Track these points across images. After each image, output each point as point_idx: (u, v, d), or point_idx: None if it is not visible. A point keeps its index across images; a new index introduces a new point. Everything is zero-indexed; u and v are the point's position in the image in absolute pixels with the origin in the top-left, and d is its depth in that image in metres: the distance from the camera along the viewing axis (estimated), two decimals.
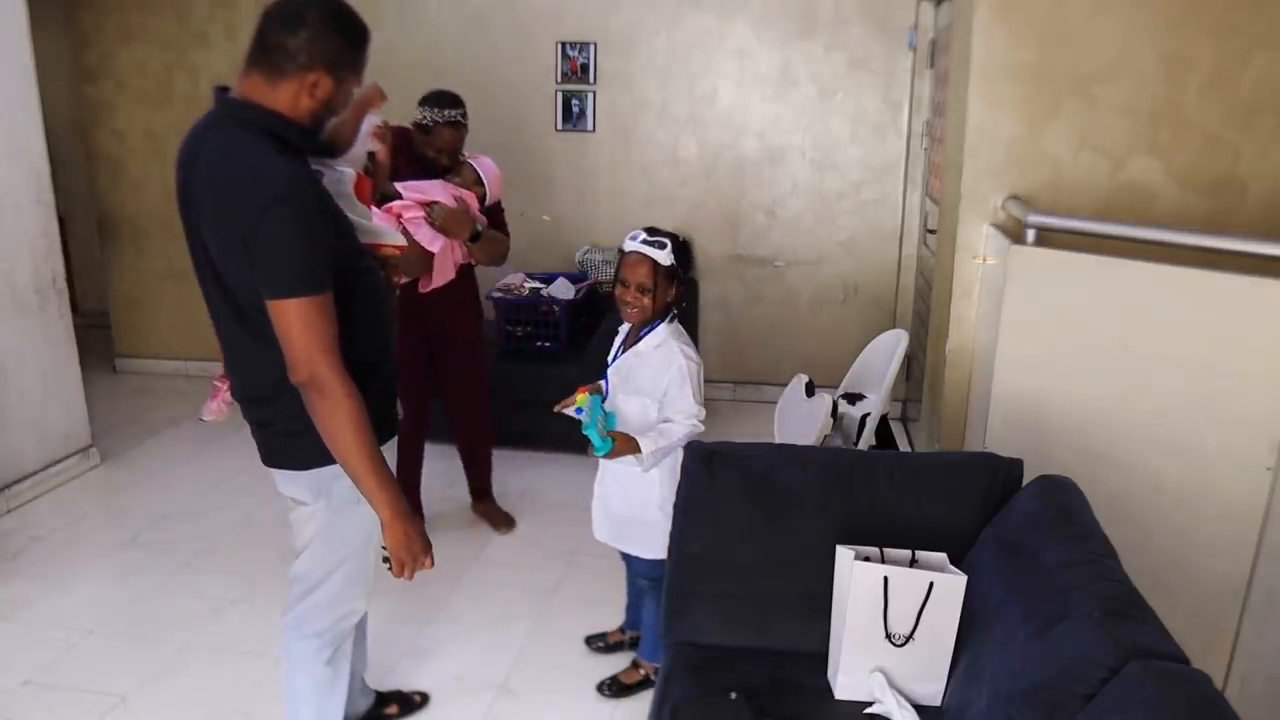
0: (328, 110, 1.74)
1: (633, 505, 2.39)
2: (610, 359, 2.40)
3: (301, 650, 2.01)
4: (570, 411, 2.25)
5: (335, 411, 1.63)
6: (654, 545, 2.33)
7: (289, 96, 1.68)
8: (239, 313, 1.72)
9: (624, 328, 2.42)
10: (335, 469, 1.76)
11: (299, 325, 1.60)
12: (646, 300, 2.23)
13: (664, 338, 2.29)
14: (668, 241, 2.22)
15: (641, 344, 2.30)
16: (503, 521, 3.56)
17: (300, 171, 1.67)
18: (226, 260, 1.67)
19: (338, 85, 1.71)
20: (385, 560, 1.74)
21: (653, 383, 2.28)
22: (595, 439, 2.19)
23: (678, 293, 2.30)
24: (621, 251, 2.27)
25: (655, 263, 2.21)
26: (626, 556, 2.52)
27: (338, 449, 1.67)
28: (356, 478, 1.69)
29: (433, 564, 1.77)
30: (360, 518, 1.85)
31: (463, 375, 3.38)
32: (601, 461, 2.35)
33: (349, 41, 1.72)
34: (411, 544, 1.73)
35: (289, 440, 1.81)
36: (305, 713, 2.05)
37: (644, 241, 2.21)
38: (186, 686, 2.59)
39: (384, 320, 1.91)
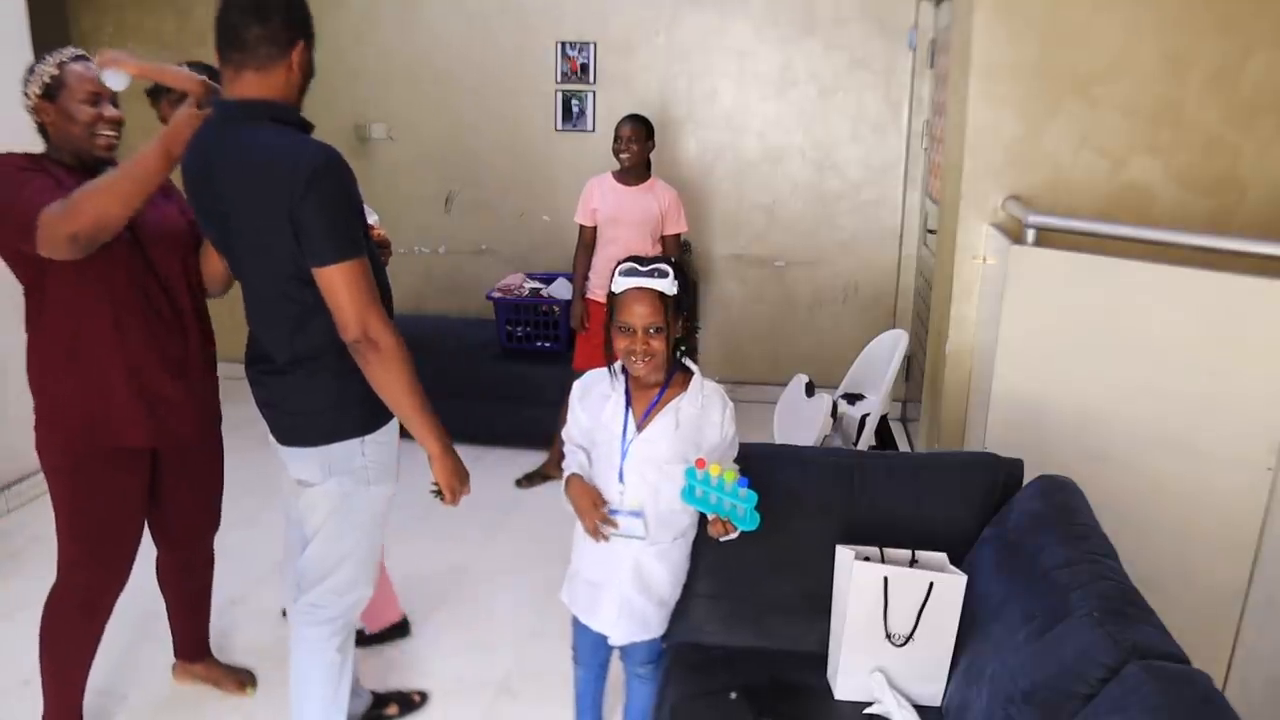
0: (308, 76, 1.81)
1: (676, 583, 2.01)
2: (623, 435, 1.86)
3: (312, 637, 2.02)
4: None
5: (389, 361, 1.73)
6: (666, 618, 2.04)
7: (280, 81, 1.75)
8: (261, 297, 1.82)
9: (600, 386, 1.92)
10: (346, 446, 1.86)
11: (347, 288, 1.69)
12: (658, 343, 1.79)
13: (700, 382, 1.89)
14: (668, 268, 1.79)
15: (684, 401, 1.86)
16: (236, 683, 2.58)
17: (329, 146, 1.74)
18: (262, 243, 1.74)
19: (308, 46, 1.78)
20: (435, 493, 1.87)
21: (716, 439, 1.89)
22: (751, 515, 1.70)
23: (686, 325, 1.87)
24: (611, 294, 1.82)
25: (661, 294, 1.77)
26: (622, 651, 2.07)
27: (391, 395, 1.77)
28: (408, 418, 1.80)
29: (469, 491, 1.91)
30: (369, 499, 1.94)
31: (197, 503, 2.43)
32: (626, 550, 1.89)
33: (304, 2, 1.78)
34: (459, 473, 1.88)
35: (298, 419, 1.88)
36: (314, 701, 2.05)
37: (641, 274, 1.78)
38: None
39: (386, 291, 1.95)
